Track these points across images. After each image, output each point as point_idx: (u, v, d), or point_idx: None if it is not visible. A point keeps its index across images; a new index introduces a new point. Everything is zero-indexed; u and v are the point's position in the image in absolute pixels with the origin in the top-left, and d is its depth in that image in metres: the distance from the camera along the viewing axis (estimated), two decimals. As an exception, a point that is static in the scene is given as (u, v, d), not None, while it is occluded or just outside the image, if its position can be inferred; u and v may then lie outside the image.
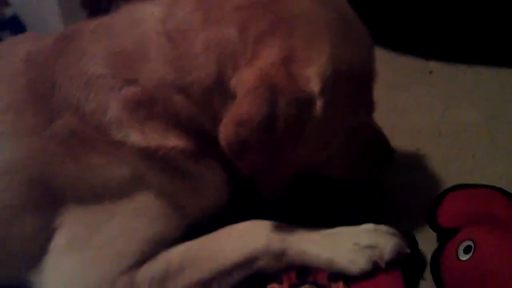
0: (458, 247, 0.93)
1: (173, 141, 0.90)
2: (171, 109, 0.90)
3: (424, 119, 1.34)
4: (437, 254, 0.97)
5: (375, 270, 0.91)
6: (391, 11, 1.51)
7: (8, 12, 1.87)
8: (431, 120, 1.34)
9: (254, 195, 0.95)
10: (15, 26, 1.85)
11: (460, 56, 1.48)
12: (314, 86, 0.84)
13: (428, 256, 0.99)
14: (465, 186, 1.07)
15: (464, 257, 0.91)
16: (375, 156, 1.05)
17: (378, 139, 1.06)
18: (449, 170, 1.19)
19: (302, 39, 0.85)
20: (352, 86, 0.91)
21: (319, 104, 0.84)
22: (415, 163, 1.21)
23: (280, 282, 0.92)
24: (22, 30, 1.84)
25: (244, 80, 0.83)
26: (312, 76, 0.84)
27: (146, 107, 0.89)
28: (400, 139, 1.17)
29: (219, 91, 0.87)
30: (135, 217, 0.91)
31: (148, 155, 0.90)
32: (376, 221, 1.00)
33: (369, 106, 1.00)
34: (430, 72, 1.48)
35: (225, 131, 0.83)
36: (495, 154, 1.24)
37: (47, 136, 0.89)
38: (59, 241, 0.90)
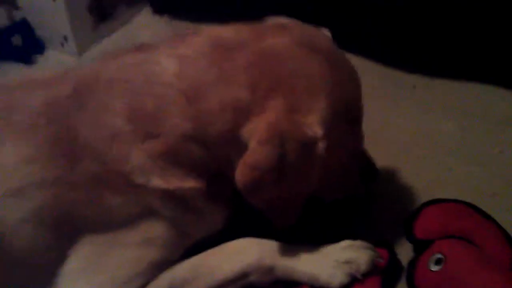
0: (430, 258, 1.04)
1: (190, 183, 0.99)
2: (190, 157, 0.99)
3: (404, 131, 1.44)
4: (412, 263, 1.09)
5: (354, 280, 1.03)
6: (384, 27, 1.61)
7: (18, 15, 1.90)
8: (410, 132, 1.44)
9: (246, 216, 1.07)
10: (24, 29, 1.90)
11: (442, 72, 1.58)
12: (317, 131, 0.95)
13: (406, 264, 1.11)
14: (440, 201, 1.18)
15: (434, 268, 1.02)
16: (362, 175, 1.15)
17: (365, 160, 1.17)
18: (427, 182, 1.29)
19: (302, 93, 0.96)
20: (347, 123, 1.03)
21: (321, 145, 0.96)
22: (393, 175, 1.29)
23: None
24: (31, 34, 1.91)
25: (255, 131, 0.93)
26: (314, 123, 0.95)
27: (167, 157, 0.97)
28: (380, 150, 1.24)
29: (233, 141, 0.96)
30: (145, 245, 1.01)
31: (166, 194, 0.99)
32: (356, 232, 1.12)
33: (361, 135, 1.12)
34: (414, 87, 1.58)
35: (241, 174, 0.93)
36: (470, 166, 1.34)
37: (70, 183, 0.97)
38: (73, 265, 0.99)
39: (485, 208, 1.16)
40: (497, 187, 1.28)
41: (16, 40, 1.90)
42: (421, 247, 1.10)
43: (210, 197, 1.02)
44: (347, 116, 1.02)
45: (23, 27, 1.91)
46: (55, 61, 1.91)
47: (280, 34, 1.02)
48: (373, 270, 1.04)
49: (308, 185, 1.01)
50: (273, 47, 0.99)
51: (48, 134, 0.98)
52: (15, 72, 1.87)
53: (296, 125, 0.94)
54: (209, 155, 0.99)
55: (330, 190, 1.12)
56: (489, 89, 1.55)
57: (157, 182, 0.98)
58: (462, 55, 1.56)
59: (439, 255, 1.03)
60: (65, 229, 0.99)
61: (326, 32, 1.13)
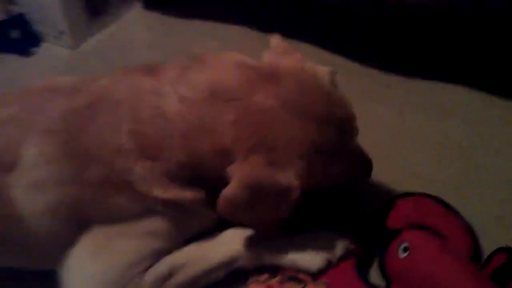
0: (398, 246, 1.16)
1: (189, 194, 1.12)
2: (187, 178, 1.10)
3: (378, 128, 1.53)
4: (383, 251, 1.20)
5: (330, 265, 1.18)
6: (361, 28, 1.71)
7: (15, 10, 1.98)
8: (387, 130, 1.54)
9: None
10: (21, 23, 1.98)
11: (416, 71, 1.68)
12: (292, 182, 1.05)
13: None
14: (410, 194, 1.30)
15: (402, 256, 1.14)
16: (357, 170, 1.23)
17: (360, 156, 1.25)
18: (400, 177, 1.39)
19: (281, 154, 1.05)
20: (329, 161, 1.11)
21: (295, 193, 1.06)
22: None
23: (260, 274, 1.18)
24: (28, 27, 1.99)
25: (237, 172, 1.03)
26: (290, 176, 1.05)
27: (166, 176, 1.09)
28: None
29: (222, 175, 1.05)
30: (147, 236, 1.14)
31: (167, 201, 1.11)
32: (336, 223, 1.25)
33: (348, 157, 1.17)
34: (388, 86, 1.67)
35: (219, 204, 1.04)
36: (441, 161, 1.45)
37: (81, 183, 1.09)
38: (83, 249, 1.12)
39: (448, 200, 1.28)
40: (461, 182, 1.39)
41: (14, 33, 1.98)
42: (391, 236, 1.21)
43: (207, 203, 1.13)
44: (332, 156, 1.11)
45: (20, 21, 1.99)
46: (51, 54, 2.00)
47: (271, 94, 1.07)
48: (347, 256, 1.19)
49: (280, 218, 1.11)
50: (261, 108, 1.05)
51: (65, 139, 1.10)
52: (12, 63, 1.96)
53: (273, 176, 1.04)
54: (203, 178, 1.10)
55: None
56: (462, 89, 1.64)
57: (158, 192, 1.10)
58: (435, 56, 1.67)
59: (406, 244, 1.15)
60: (76, 221, 1.11)
61: (325, 72, 1.16)
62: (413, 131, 1.55)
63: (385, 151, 1.46)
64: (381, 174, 1.36)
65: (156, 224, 1.14)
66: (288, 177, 1.05)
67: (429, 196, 1.29)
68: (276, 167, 1.04)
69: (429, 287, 1.08)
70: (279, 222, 1.12)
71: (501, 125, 1.55)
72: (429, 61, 1.71)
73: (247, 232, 1.19)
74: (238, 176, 1.03)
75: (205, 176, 1.10)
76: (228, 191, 1.04)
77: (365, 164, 1.26)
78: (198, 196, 1.12)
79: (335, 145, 1.10)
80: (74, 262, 1.13)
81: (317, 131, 1.07)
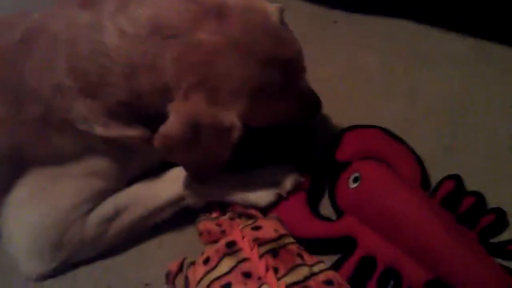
0: (349, 177, 1.16)
1: (131, 132, 1.07)
2: (127, 115, 1.06)
3: (329, 67, 1.51)
4: (333, 182, 1.20)
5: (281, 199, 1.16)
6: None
7: None
8: (335, 67, 1.52)
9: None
10: None
11: (361, 7, 1.66)
12: (234, 122, 1.02)
13: (329, 184, 1.22)
14: (358, 127, 1.29)
15: (353, 185, 1.14)
16: (305, 109, 1.21)
17: (308, 95, 1.22)
18: (349, 112, 1.38)
19: (224, 92, 1.00)
20: (273, 101, 1.08)
21: (236, 133, 1.03)
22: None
23: (210, 213, 1.16)
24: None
25: (175, 110, 1.00)
26: (232, 116, 1.01)
27: (108, 114, 1.05)
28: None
29: (163, 111, 1.01)
30: (89, 176, 1.10)
31: (109, 139, 1.07)
32: (286, 157, 1.24)
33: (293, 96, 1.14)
34: (335, 22, 1.65)
35: (158, 140, 1.01)
36: (386, 97, 1.45)
37: (17, 122, 1.04)
38: (19, 194, 1.08)
39: (398, 132, 1.28)
40: (410, 114, 1.40)
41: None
42: (340, 168, 1.21)
43: (147, 142, 1.08)
44: (276, 96, 1.07)
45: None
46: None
47: (215, 29, 1.01)
48: (297, 189, 1.17)
49: (221, 158, 1.08)
50: (204, 44, 1.00)
51: None
52: None
53: (214, 117, 1.01)
54: (144, 115, 1.07)
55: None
56: (413, 26, 1.62)
57: (99, 130, 1.06)
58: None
59: (356, 174, 1.15)
60: (13, 163, 1.06)
61: (274, 9, 1.10)
62: (363, 67, 1.55)
63: (335, 89, 1.44)
64: (330, 111, 1.36)
65: (98, 163, 1.10)
66: (230, 117, 1.02)
67: (376, 127, 1.29)
68: (217, 106, 1.01)
69: (381, 215, 1.09)
70: (220, 164, 1.09)
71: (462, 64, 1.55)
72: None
73: None
74: (177, 114, 1.00)
75: (146, 114, 1.06)
76: (165, 128, 1.00)
77: (314, 103, 1.24)
78: (140, 134, 1.08)
79: (280, 85, 1.06)
80: (11, 208, 1.09)
81: (261, 70, 1.03)
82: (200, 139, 1.01)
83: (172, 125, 1.00)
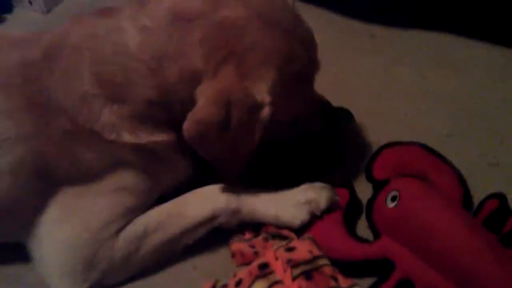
0: (387, 196, 1.12)
1: (159, 137, 1.07)
2: (156, 118, 1.06)
3: (364, 79, 1.50)
4: (370, 201, 1.17)
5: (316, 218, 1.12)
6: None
7: None
8: (372, 82, 1.50)
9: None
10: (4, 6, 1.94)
11: (399, 21, 1.64)
12: (264, 97, 1.01)
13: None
14: (396, 144, 1.26)
15: (391, 205, 1.10)
16: (321, 115, 1.21)
17: (322, 104, 1.22)
18: (387, 127, 1.35)
19: (253, 64, 1.00)
20: (296, 86, 1.08)
21: (267, 110, 1.01)
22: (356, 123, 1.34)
23: (243, 234, 1.13)
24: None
25: (205, 91, 0.99)
26: (262, 90, 1.00)
27: (136, 118, 1.05)
28: (341, 97, 1.29)
29: (191, 103, 1.01)
30: (119, 193, 1.08)
31: (137, 148, 1.06)
32: (321, 175, 1.20)
33: (311, 91, 1.16)
34: (372, 36, 1.63)
35: (188, 127, 0.99)
36: (424, 112, 1.41)
37: (44, 139, 1.03)
38: (51, 215, 1.06)
39: (438, 148, 1.23)
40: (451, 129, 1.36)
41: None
42: (379, 186, 1.18)
43: (177, 149, 1.09)
44: (296, 81, 1.07)
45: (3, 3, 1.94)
46: (24, 19, 1.93)
47: (237, 5, 1.03)
48: (332, 208, 1.13)
49: (251, 144, 1.06)
50: (228, 20, 1.01)
51: (24, 93, 1.04)
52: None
53: (245, 90, 1.00)
54: (173, 115, 1.06)
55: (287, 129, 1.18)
56: (443, 36, 1.61)
57: (127, 137, 1.05)
58: (418, 4, 1.62)
59: (395, 192, 1.11)
60: (43, 181, 1.05)
61: None
62: (399, 79, 1.52)
63: (371, 101, 1.43)
64: (366, 124, 1.34)
65: (127, 178, 1.09)
66: (260, 90, 1.00)
67: (416, 144, 1.25)
68: (247, 79, 1.00)
69: (420, 237, 1.04)
70: (249, 153, 1.07)
71: (499, 73, 1.52)
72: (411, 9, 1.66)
73: (225, 186, 1.14)
74: (207, 94, 0.99)
75: (175, 111, 1.05)
76: (195, 113, 0.99)
77: (328, 106, 1.23)
78: (168, 139, 1.08)
79: (303, 62, 1.07)
80: (43, 229, 1.07)
81: (286, 39, 1.04)
82: (231, 122, 1.00)
83: (202, 108, 0.99)
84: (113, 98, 1.04)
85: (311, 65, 1.11)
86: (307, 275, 0.97)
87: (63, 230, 1.07)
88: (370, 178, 1.22)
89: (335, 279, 0.98)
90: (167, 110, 1.05)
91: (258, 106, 1.01)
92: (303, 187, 1.16)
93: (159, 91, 1.03)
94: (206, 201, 1.13)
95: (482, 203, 1.14)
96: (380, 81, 1.51)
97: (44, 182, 1.05)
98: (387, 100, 1.45)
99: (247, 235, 1.13)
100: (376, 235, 1.12)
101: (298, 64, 1.06)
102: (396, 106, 1.44)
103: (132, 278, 1.12)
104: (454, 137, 1.34)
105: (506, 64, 1.51)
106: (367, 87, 1.48)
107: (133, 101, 1.04)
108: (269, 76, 1.01)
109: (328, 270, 1.00)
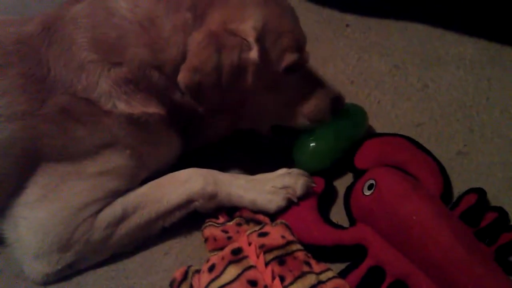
0: (364, 184, 1.13)
1: (153, 109, 1.08)
2: (150, 83, 1.07)
3: (340, 69, 1.51)
4: (348, 189, 1.17)
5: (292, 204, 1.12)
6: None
7: None
8: (346, 70, 1.51)
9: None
10: None
11: (373, 10, 1.65)
12: (249, 34, 1.03)
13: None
14: (380, 135, 1.27)
15: (367, 193, 1.10)
16: (329, 104, 1.21)
17: (328, 90, 1.22)
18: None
19: (236, 6, 1.05)
20: (278, 34, 1.09)
21: (255, 49, 1.04)
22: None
23: (216, 218, 1.13)
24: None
25: (195, 40, 1.02)
26: (247, 30, 1.04)
27: (131, 83, 1.06)
28: None
29: (183, 60, 1.04)
30: (103, 175, 1.08)
31: (131, 121, 1.07)
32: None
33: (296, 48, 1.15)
34: (347, 25, 1.64)
35: (184, 78, 1.02)
36: (396, 100, 1.42)
37: (39, 115, 1.03)
38: (31, 194, 1.05)
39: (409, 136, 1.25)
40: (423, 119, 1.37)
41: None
42: (358, 175, 1.18)
43: (169, 124, 1.10)
44: (279, 28, 1.10)
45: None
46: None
47: None
48: (308, 194, 1.14)
49: (245, 88, 1.07)
50: None
51: (21, 71, 1.04)
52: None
53: (230, 31, 1.03)
54: (167, 81, 1.08)
55: (295, 116, 1.20)
56: (418, 26, 1.62)
57: (122, 107, 1.07)
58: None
59: (371, 181, 1.12)
60: (29, 161, 1.04)
61: None
62: (372, 70, 1.53)
63: (345, 91, 1.37)
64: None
65: (114, 161, 1.09)
66: (246, 29, 1.04)
67: (399, 135, 1.26)
68: (233, 21, 1.04)
69: (394, 225, 1.05)
70: (243, 96, 1.09)
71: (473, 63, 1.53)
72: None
73: (202, 170, 1.14)
74: (198, 39, 1.03)
75: (169, 77, 1.07)
76: (189, 61, 1.02)
77: (337, 94, 1.24)
78: (160, 112, 1.09)
79: (285, 4, 1.13)
80: (20, 209, 1.06)
81: None
82: (223, 67, 1.03)
83: (194, 54, 1.03)
84: (109, 61, 1.05)
85: (293, 13, 1.15)
86: (280, 260, 0.97)
87: (42, 209, 1.05)
88: (352, 168, 1.23)
89: (308, 264, 0.98)
90: (160, 74, 1.07)
91: (246, 46, 1.04)
92: (280, 172, 1.16)
93: (152, 49, 1.06)
94: (183, 184, 1.12)
95: (461, 196, 1.15)
96: (353, 69, 1.52)
97: (29, 162, 1.04)
98: (360, 88, 1.46)
99: (221, 219, 1.13)
100: (352, 222, 1.13)
101: (280, 7, 1.11)
102: (369, 94, 1.45)
103: (103, 264, 1.11)
104: (425, 125, 1.35)
105: (477, 54, 1.53)
106: (341, 75, 1.49)
107: (127, 62, 1.06)
108: (254, 15, 1.06)
109: (301, 255, 1.00)
